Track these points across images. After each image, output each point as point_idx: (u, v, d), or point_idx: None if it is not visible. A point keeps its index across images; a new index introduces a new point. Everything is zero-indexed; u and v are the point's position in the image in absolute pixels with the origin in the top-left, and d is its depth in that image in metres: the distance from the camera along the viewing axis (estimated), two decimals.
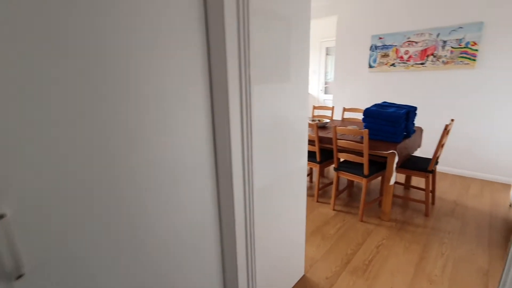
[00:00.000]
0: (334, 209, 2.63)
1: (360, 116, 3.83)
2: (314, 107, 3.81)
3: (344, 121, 3.36)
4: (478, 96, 3.10)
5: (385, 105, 2.58)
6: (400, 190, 3.00)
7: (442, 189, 3.01)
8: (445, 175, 3.40)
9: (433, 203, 2.67)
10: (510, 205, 2.57)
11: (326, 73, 5.80)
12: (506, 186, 3.04)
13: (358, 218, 2.45)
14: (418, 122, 3.56)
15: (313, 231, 2.28)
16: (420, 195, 2.85)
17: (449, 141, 3.34)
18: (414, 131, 2.58)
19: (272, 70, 1.06)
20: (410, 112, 2.44)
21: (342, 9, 3.95)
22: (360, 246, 2.08)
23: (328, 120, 3.15)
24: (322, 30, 5.49)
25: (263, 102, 1.01)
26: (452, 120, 2.43)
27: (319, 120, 3.24)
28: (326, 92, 5.87)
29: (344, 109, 3.57)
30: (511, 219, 2.38)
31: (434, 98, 3.40)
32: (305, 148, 1.43)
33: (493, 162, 3.13)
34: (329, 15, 4.11)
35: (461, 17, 3.05)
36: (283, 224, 1.36)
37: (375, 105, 2.58)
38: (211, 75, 0.85)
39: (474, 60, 3.04)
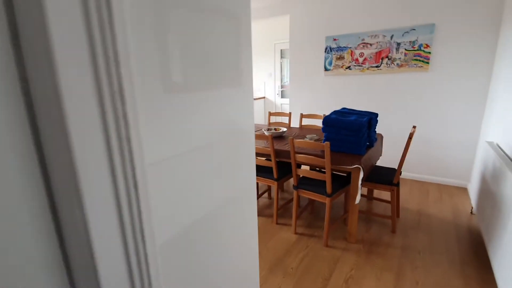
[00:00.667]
0: (296, 233, 2.30)
1: (319, 122, 3.60)
2: (270, 114, 3.48)
3: (303, 129, 3.07)
4: (432, 99, 3.04)
5: (345, 112, 2.32)
6: (363, 202, 2.79)
7: (403, 196, 2.88)
8: (403, 180, 3.31)
9: (398, 215, 2.48)
10: (471, 212, 2.49)
11: (282, 76, 5.56)
12: (461, 189, 3.02)
13: (322, 243, 2.14)
14: (376, 127, 3.43)
15: (273, 266, 1.90)
16: (384, 207, 2.67)
17: (404, 144, 3.25)
18: (376, 139, 2.37)
19: (195, 74, 0.66)
20: (372, 119, 2.21)
21: (294, 9, 3.70)
22: (327, 281, 1.75)
23: (285, 129, 2.83)
24: (275, 31, 5.24)
25: (179, 116, 0.61)
26: (414, 127, 2.26)
27: (275, 129, 2.91)
28: (282, 96, 5.64)
29: (302, 116, 3.30)
30: (474, 227, 2.28)
31: (390, 102, 3.30)
32: (251, 168, 1.04)
33: (448, 166, 3.10)
34: (280, 15, 3.84)
35: (413, 18, 2.96)
36: (222, 277, 0.94)
37: (335, 113, 2.31)
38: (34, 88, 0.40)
39: (427, 63, 2.97)
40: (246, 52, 0.87)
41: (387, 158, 3.32)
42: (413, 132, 2.16)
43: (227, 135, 0.84)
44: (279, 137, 2.70)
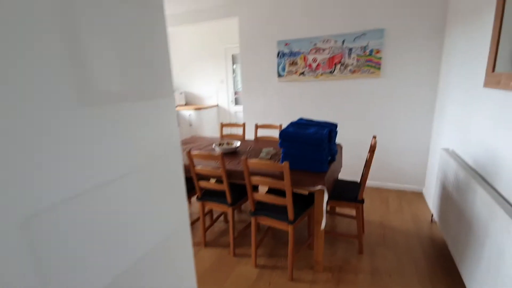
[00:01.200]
0: (256, 266, 1.98)
1: (275, 133, 3.36)
2: (223, 125, 3.14)
3: (258, 142, 2.79)
4: (385, 105, 3.01)
5: (303, 124, 2.09)
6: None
7: (365, 206, 2.76)
8: None
9: (363, 231, 2.33)
10: (431, 221, 2.45)
11: (235, 82, 5.26)
12: (417, 194, 3.02)
13: (287, 277, 1.85)
14: None
15: None
16: (348, 223, 2.50)
17: (361, 151, 3.18)
18: (336, 151, 2.18)
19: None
20: (331, 131, 2.01)
21: (243, 11, 3.43)
22: None
23: (238, 143, 2.51)
24: (225, 34, 4.93)
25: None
26: (375, 137, 2.12)
27: (227, 143, 2.57)
28: (237, 103, 5.34)
29: (257, 126, 3.02)
30: (437, 236, 2.22)
31: (345, 109, 3.20)
32: (180, 201, 0.70)
33: (403, 172, 3.10)
34: (229, 17, 3.54)
35: (363, 23, 2.90)
36: None
37: (292, 125, 2.06)
38: None
39: (378, 68, 2.93)
40: (161, 50, 0.52)
41: (347, 170, 3.21)
42: (374, 143, 2.01)
43: (144, 161, 0.47)
44: (232, 153, 2.37)
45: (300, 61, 3.27)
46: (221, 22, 4.12)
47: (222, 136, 3.07)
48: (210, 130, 5.18)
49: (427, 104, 2.84)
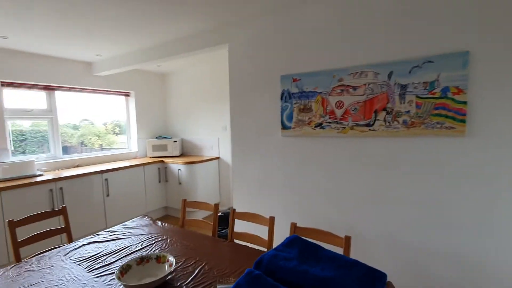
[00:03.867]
0: None
1: (262, 231, 2.04)
2: (185, 203, 1.91)
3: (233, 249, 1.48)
4: (475, 189, 1.57)
5: (305, 250, 0.77)
6: None
7: None
8: None
9: None
10: None
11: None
12: None
13: None
14: (362, 234, 1.89)
15: None
16: None
17: (431, 268, 1.68)
18: None
19: None
20: None
21: (235, 34, 2.40)
22: None
23: (171, 268, 1.24)
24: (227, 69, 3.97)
25: None
26: None
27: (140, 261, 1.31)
28: None
29: (233, 213, 1.74)
30: None
31: (393, 190, 1.81)
32: None
33: None
34: (217, 45, 2.53)
35: (428, 43, 1.64)
36: None
37: (271, 262, 0.75)
38: None
39: (462, 121, 1.57)
40: None
41: None
42: None
43: None
44: None
45: (316, 106, 2.04)
46: (214, 53, 3.16)
47: (183, 224, 1.82)
48: (205, 190, 3.98)
49: None
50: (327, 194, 2.05)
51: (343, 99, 1.93)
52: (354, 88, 1.89)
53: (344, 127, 1.94)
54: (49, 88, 3.34)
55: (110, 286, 1.22)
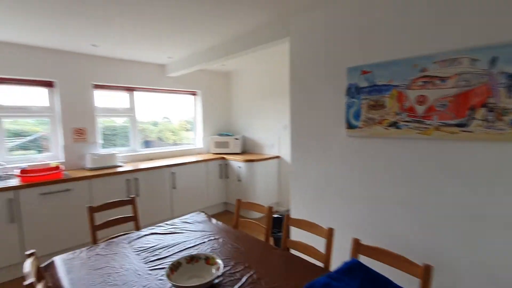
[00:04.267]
0: None
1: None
2: (240, 202, 1.87)
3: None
4: None
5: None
6: None
7: None
8: None
9: None
10: None
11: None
12: None
13: None
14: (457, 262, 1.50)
15: None
16: None
17: None
18: None
19: None
20: None
21: (296, 27, 2.24)
22: None
23: (219, 272, 1.18)
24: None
25: None
26: None
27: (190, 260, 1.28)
28: None
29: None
30: None
31: (499, 213, 1.39)
32: None
33: None
34: (277, 39, 2.41)
35: None
36: None
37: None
38: None
39: None
40: None
41: None
42: None
43: None
44: None
45: (390, 102, 1.74)
46: (276, 47, 3.05)
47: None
48: (264, 189, 3.93)
49: None
50: (402, 208, 1.73)
51: (426, 93, 1.59)
52: (442, 79, 1.53)
53: (427, 127, 1.60)
54: (130, 89, 3.76)
55: (161, 281, 1.23)
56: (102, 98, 3.53)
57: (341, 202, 2.04)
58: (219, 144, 4.39)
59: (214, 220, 1.98)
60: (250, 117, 4.53)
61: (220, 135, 4.53)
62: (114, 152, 3.36)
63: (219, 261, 1.29)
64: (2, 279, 2.43)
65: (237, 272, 1.30)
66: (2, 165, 2.74)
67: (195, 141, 4.63)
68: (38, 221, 2.55)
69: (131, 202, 2.07)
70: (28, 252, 1.26)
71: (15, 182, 2.53)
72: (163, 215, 3.45)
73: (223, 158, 4.13)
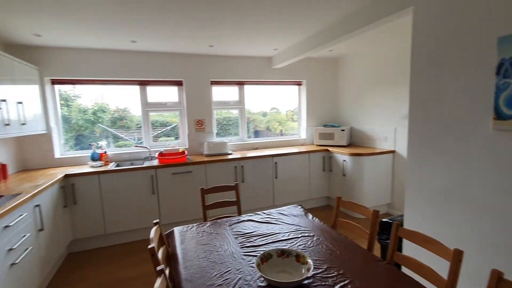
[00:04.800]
0: None
1: None
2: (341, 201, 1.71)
3: None
4: None
5: None
6: None
7: None
8: None
9: None
10: None
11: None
12: None
13: None
14: None
15: None
16: None
17: None
18: None
19: None
20: None
21: None
22: None
23: None
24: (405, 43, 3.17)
25: None
26: None
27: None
28: None
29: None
30: None
31: None
32: None
33: None
34: (398, 11, 2.02)
35: None
36: None
37: None
38: None
39: None
40: None
41: None
42: None
43: None
44: None
45: None
46: (403, 31, 2.59)
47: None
48: (374, 187, 3.52)
49: None
50: None
51: None
52: None
53: None
54: (240, 83, 4.07)
55: (252, 268, 1.26)
56: (216, 93, 3.98)
57: (476, 217, 1.54)
58: (323, 136, 4.20)
59: (310, 216, 1.90)
60: (360, 106, 4.10)
61: (325, 126, 4.32)
62: (225, 141, 3.75)
63: (310, 261, 1.21)
64: (143, 236, 3.14)
65: (329, 277, 1.18)
66: (148, 149, 3.53)
67: (299, 132, 4.60)
68: (168, 195, 3.15)
69: (235, 188, 2.25)
70: (154, 221, 1.55)
71: (155, 162, 3.21)
72: (264, 202, 3.62)
73: (327, 150, 3.94)
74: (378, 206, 3.60)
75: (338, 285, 1.13)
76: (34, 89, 2.89)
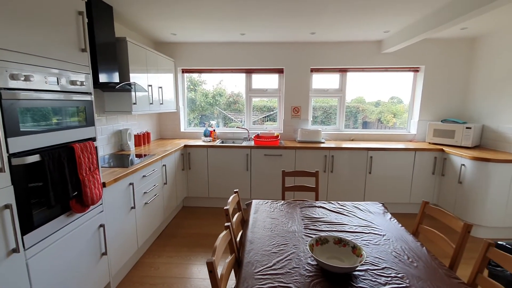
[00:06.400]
0: None
1: None
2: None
3: None
4: None
5: None
6: None
7: None
8: None
9: None
10: None
11: None
12: None
13: None
14: None
15: None
16: None
17: None
18: None
19: None
20: None
21: None
22: None
23: None
24: None
25: None
26: None
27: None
28: None
29: None
30: None
31: None
32: None
33: None
34: None
35: None
36: None
37: None
38: None
39: None
40: None
41: None
42: None
43: None
44: None
45: None
46: None
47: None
48: (497, 202, 2.78)
49: None
50: None
51: None
52: None
53: None
54: (343, 70, 3.90)
55: (307, 248, 1.34)
56: (315, 80, 3.97)
57: None
58: (440, 132, 3.55)
59: (389, 215, 1.75)
60: (500, 100, 3.21)
61: (444, 121, 3.62)
62: (319, 129, 3.75)
63: (364, 253, 1.18)
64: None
65: (383, 276, 1.13)
66: (247, 130, 3.96)
67: (409, 126, 4.03)
68: (259, 174, 3.48)
69: (315, 175, 2.29)
70: (235, 190, 1.83)
71: (251, 143, 3.59)
72: (353, 197, 3.46)
73: (442, 150, 3.32)
74: (504, 229, 2.83)
75: (390, 286, 1.07)
76: (170, 77, 3.74)
